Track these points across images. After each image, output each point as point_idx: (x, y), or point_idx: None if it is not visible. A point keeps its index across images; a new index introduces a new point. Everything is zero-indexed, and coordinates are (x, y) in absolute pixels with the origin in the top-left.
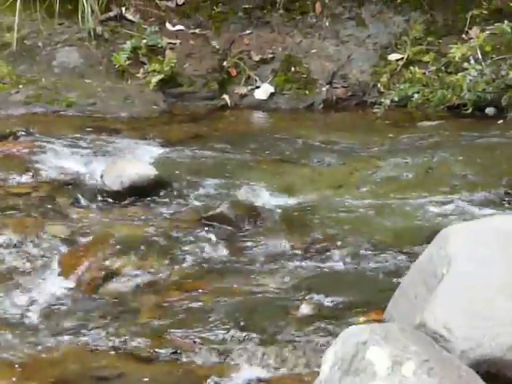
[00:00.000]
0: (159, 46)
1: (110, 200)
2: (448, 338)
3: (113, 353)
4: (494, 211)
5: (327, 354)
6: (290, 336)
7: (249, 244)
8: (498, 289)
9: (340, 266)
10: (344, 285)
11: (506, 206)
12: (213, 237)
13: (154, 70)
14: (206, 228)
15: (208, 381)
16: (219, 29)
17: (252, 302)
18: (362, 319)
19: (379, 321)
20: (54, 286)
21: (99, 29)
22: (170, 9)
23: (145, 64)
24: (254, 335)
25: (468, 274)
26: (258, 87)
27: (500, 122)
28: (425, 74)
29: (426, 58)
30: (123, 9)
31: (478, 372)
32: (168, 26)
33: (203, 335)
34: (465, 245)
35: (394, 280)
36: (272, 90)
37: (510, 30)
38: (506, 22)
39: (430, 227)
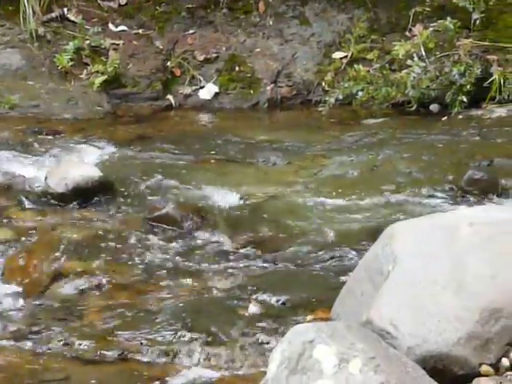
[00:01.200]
0: (102, 46)
1: (55, 202)
2: (394, 334)
3: (58, 356)
4: (439, 208)
5: (274, 353)
6: (238, 336)
7: (195, 244)
8: (444, 284)
9: (287, 264)
10: (291, 284)
11: (451, 202)
12: (159, 238)
13: (98, 71)
14: (152, 229)
15: (155, 382)
16: (162, 29)
17: (199, 302)
18: (309, 318)
19: (326, 319)
20: None
21: (41, 30)
22: (112, 9)
23: (88, 65)
24: (201, 336)
25: (413, 270)
26: (202, 87)
27: (444, 118)
28: (369, 71)
29: (369, 56)
30: (65, 9)
31: (424, 368)
32: (111, 26)
33: (150, 336)
34: (410, 242)
35: (341, 278)
36: (216, 89)
37: (452, 27)
38: (448, 18)
39: (375, 225)
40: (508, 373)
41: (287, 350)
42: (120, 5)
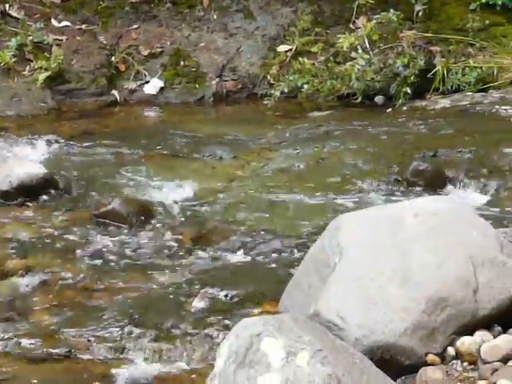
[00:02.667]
0: (45, 42)
1: None
2: (342, 326)
3: (3, 355)
4: (385, 199)
5: (221, 347)
6: (185, 331)
7: (142, 240)
8: (390, 275)
9: (234, 258)
10: (238, 277)
11: (396, 193)
12: (105, 234)
13: (41, 67)
14: (99, 225)
15: (103, 378)
16: (106, 24)
17: (147, 298)
18: (256, 311)
19: (274, 312)
20: None
21: None
22: (55, 5)
23: (31, 61)
24: (149, 331)
25: (360, 261)
26: (147, 82)
27: (389, 110)
28: (314, 64)
29: (314, 49)
30: (7, 5)
31: (371, 358)
32: (54, 22)
33: (98, 333)
34: (356, 233)
35: (289, 271)
36: (161, 84)
37: (395, 19)
38: (391, 10)
39: (322, 217)
40: (454, 361)
41: (234, 343)
42: (62, 0)
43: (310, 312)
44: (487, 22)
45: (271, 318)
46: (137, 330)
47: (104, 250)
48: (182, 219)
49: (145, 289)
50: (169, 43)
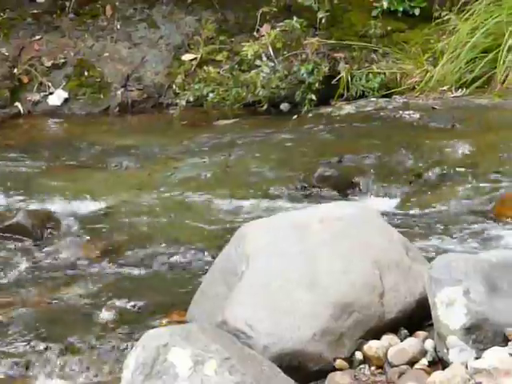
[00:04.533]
0: None
1: None
2: (250, 334)
3: None
4: (291, 205)
5: (128, 359)
6: (93, 343)
7: (48, 253)
8: (297, 282)
9: (142, 269)
10: (146, 288)
11: (302, 200)
12: (10, 248)
13: None
14: (2, 239)
15: None
16: (8, 35)
17: (53, 312)
18: (164, 321)
19: (182, 322)
20: None
21: None
22: None
23: None
24: (56, 345)
25: (267, 269)
26: (51, 93)
27: (295, 117)
28: (219, 73)
29: (219, 57)
30: None
31: (280, 366)
32: None
33: (2, 348)
34: (262, 241)
35: (196, 280)
36: (66, 95)
37: (299, 26)
38: (295, 18)
39: (229, 225)
40: (361, 366)
41: (141, 355)
42: None
43: (218, 321)
44: (389, 28)
45: (178, 327)
46: (43, 344)
47: (8, 264)
48: (88, 230)
49: (51, 302)
50: (72, 54)
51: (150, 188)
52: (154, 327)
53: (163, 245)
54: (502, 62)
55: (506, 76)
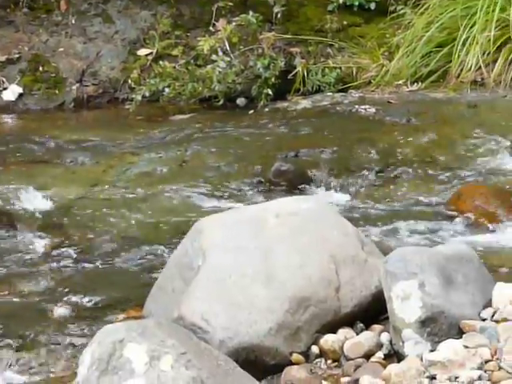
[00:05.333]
0: None
1: None
2: (206, 329)
3: None
4: (248, 200)
5: (84, 354)
6: (48, 339)
7: (4, 248)
8: (253, 276)
9: (98, 265)
10: (102, 283)
11: (259, 194)
12: None
13: None
14: None
15: None
16: None
17: (8, 307)
18: (121, 317)
19: (139, 317)
20: None
21: None
22: None
23: None
24: (11, 341)
25: (223, 264)
26: (5, 88)
27: (251, 111)
28: (175, 67)
29: (175, 52)
30: None
31: (237, 360)
32: None
33: None
34: (218, 236)
35: (153, 275)
36: (20, 90)
37: (255, 21)
38: (250, 12)
39: (185, 220)
40: (318, 359)
41: (97, 350)
42: None
43: (174, 316)
44: (345, 22)
45: (134, 323)
46: None
47: None
48: (43, 226)
49: (5, 298)
50: (27, 49)
51: (106, 183)
52: (110, 323)
53: (119, 240)
54: (456, 56)
55: (461, 70)
